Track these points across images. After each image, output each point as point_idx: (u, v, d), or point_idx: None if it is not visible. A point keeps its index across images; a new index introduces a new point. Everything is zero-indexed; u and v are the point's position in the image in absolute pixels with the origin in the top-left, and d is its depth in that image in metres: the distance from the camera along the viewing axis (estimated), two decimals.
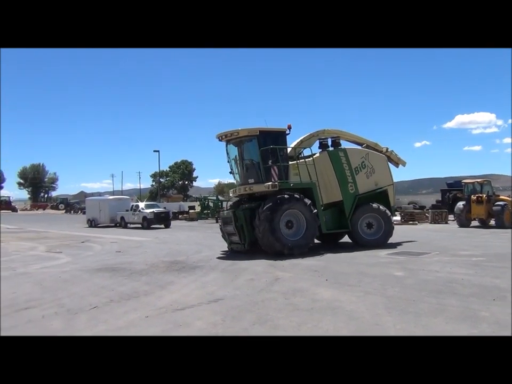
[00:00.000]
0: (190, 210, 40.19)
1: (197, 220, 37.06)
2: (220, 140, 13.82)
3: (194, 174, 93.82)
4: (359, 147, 15.49)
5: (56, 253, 14.62)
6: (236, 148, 13.85)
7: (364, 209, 13.93)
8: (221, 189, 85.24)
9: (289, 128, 13.43)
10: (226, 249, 14.06)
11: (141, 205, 30.14)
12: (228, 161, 14.23)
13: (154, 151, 56.41)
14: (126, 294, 7.66)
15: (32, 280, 9.40)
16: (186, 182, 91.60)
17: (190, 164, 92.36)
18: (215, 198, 41.46)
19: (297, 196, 12.64)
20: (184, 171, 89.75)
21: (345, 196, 13.93)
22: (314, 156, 14.03)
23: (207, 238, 19.18)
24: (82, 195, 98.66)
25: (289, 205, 12.44)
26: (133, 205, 30.45)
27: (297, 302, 6.84)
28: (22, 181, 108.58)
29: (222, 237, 14.30)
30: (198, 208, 39.38)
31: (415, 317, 5.80)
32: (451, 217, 25.22)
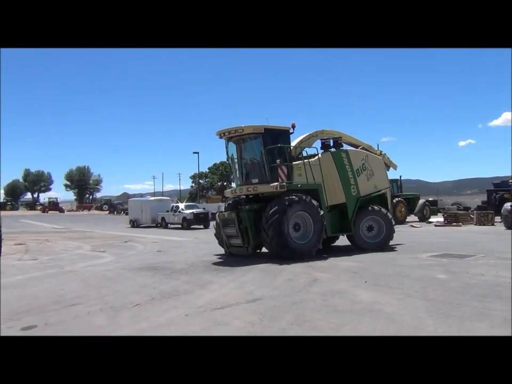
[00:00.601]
0: None
1: None
2: (221, 137, 13.14)
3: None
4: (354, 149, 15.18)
5: (101, 252, 15.13)
6: (237, 145, 13.20)
7: (365, 211, 13.59)
8: None
9: (293, 127, 12.85)
10: (221, 252, 13.59)
11: (181, 205, 30.68)
12: (228, 160, 13.79)
13: (194, 152, 57.33)
14: (166, 293, 7.84)
15: (78, 278, 9.78)
16: (225, 183, 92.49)
17: (229, 165, 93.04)
18: None
19: (306, 198, 12.12)
20: (223, 172, 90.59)
21: (348, 198, 13.50)
22: (317, 157, 13.55)
23: None
24: (125, 196, 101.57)
25: (298, 206, 11.91)
26: (173, 206, 31.04)
27: (336, 303, 6.78)
28: (68, 182, 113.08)
29: (217, 238, 13.69)
30: None
31: (458, 320, 5.63)
32: (497, 218, 24.20)
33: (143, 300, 7.35)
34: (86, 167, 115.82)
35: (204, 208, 33.31)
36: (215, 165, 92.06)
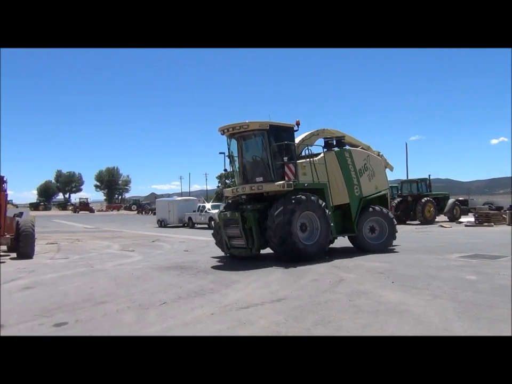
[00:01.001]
0: None
1: None
2: (223, 134, 12.57)
3: None
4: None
5: (129, 252, 15.44)
6: (239, 142, 12.64)
7: (367, 212, 13.34)
8: None
9: (298, 124, 12.34)
10: (218, 254, 13.30)
11: (207, 205, 30.94)
12: (229, 157, 13.03)
13: (220, 153, 57.60)
14: (193, 292, 7.94)
15: (108, 276, 10.02)
16: None
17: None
18: None
19: (313, 197, 11.73)
20: None
21: (352, 199, 13.22)
22: (320, 156, 13.15)
23: None
24: (153, 196, 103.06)
25: (306, 206, 11.50)
26: (199, 206, 31.34)
27: (362, 303, 6.72)
28: (98, 183, 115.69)
29: (215, 238, 13.36)
30: None
31: (489, 323, 5.49)
32: None
33: (170, 298, 7.46)
34: (115, 168, 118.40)
35: None
36: None
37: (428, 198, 27.69)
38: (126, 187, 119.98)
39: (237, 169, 13.02)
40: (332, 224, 12.20)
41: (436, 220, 28.08)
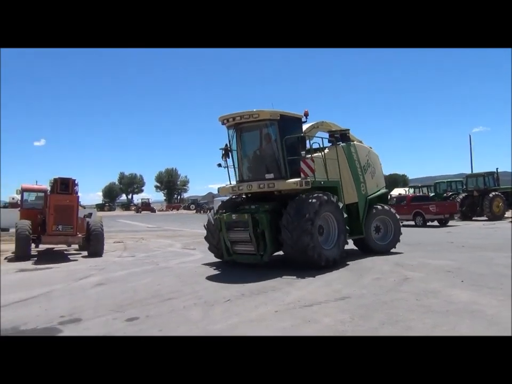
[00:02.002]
0: None
1: None
2: (224, 124, 11.21)
3: None
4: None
5: (191, 250, 15.86)
6: (242, 134, 11.21)
7: (373, 211, 12.50)
8: None
9: (306, 115, 11.13)
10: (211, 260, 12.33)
11: None
12: (228, 151, 11.47)
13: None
14: (255, 289, 8.03)
15: (173, 273, 10.36)
16: None
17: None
18: None
19: (333, 197, 10.57)
20: None
21: (360, 197, 12.28)
22: (330, 150, 11.86)
23: None
24: (210, 196, 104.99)
25: (326, 207, 10.25)
26: None
27: (430, 303, 6.51)
28: (158, 184, 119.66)
29: (209, 242, 11.87)
30: None
31: None
32: None
33: (233, 295, 7.60)
34: (174, 169, 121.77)
35: None
36: None
37: (496, 193, 26.22)
38: (185, 187, 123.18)
39: (237, 165, 11.53)
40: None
41: (506, 215, 26.52)
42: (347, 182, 12.02)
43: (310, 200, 9.91)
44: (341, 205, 10.80)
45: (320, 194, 10.20)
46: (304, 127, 11.93)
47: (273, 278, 9.14)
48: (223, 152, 11.48)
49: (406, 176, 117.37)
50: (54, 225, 13.58)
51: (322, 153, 11.28)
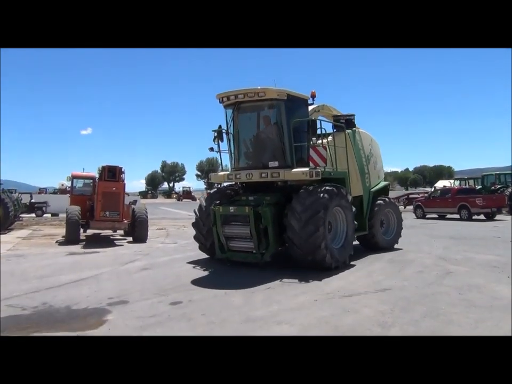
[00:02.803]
0: None
1: None
2: (222, 102, 9.64)
3: None
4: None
5: None
6: (241, 115, 9.75)
7: (380, 205, 11.48)
8: None
9: (313, 96, 9.95)
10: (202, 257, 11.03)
11: None
12: (224, 133, 10.04)
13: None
14: (295, 278, 8.10)
15: (214, 260, 10.58)
16: None
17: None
18: None
19: (343, 190, 9.40)
20: None
21: (364, 190, 11.13)
22: (338, 136, 10.67)
23: None
24: None
25: (337, 200, 9.06)
26: None
27: (473, 297, 6.40)
28: (199, 173, 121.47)
29: (198, 240, 10.60)
30: None
31: None
32: None
33: (274, 283, 7.71)
34: (215, 158, 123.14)
35: None
36: None
37: None
38: None
39: (233, 150, 10.04)
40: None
41: None
42: (353, 172, 10.76)
43: (321, 195, 8.66)
44: (350, 198, 9.70)
45: (330, 187, 8.94)
46: None
47: (313, 267, 9.17)
48: (215, 134, 10.07)
49: (451, 168, 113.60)
50: (102, 211, 14.13)
51: (329, 139, 10.11)
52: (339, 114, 11.32)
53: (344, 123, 10.92)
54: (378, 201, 11.52)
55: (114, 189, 14.29)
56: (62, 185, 47.26)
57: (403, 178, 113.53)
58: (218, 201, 9.69)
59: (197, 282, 8.02)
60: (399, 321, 5.33)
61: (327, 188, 8.89)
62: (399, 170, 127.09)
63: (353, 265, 9.29)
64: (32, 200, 27.82)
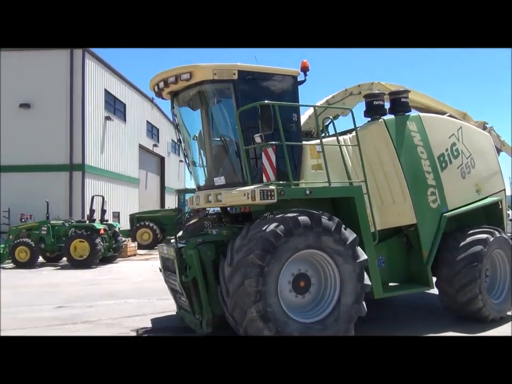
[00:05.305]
0: None
1: None
2: (158, 95, 6.40)
3: None
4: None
5: None
6: (183, 109, 6.48)
7: (470, 243, 6.25)
8: None
9: (305, 69, 5.90)
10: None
11: None
12: (177, 140, 7.18)
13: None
14: None
15: None
16: None
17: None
18: None
19: (326, 218, 5.14)
20: None
21: (422, 214, 6.28)
22: (356, 131, 6.11)
23: None
24: None
25: (303, 240, 4.96)
26: None
27: None
28: None
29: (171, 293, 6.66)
30: None
31: None
32: None
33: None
34: None
35: None
36: None
37: None
38: None
39: (188, 162, 6.90)
40: (377, 267, 5.83)
41: None
42: (391, 185, 6.33)
43: (265, 225, 4.96)
44: (350, 236, 5.27)
45: (291, 214, 5.08)
46: (330, 96, 7.70)
47: None
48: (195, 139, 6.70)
49: None
50: None
51: (349, 137, 6.30)
52: (377, 94, 6.82)
53: (391, 103, 6.81)
54: (473, 235, 6.40)
55: None
56: None
57: None
58: (180, 235, 6.61)
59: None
60: None
61: (286, 215, 5.05)
62: None
63: None
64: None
